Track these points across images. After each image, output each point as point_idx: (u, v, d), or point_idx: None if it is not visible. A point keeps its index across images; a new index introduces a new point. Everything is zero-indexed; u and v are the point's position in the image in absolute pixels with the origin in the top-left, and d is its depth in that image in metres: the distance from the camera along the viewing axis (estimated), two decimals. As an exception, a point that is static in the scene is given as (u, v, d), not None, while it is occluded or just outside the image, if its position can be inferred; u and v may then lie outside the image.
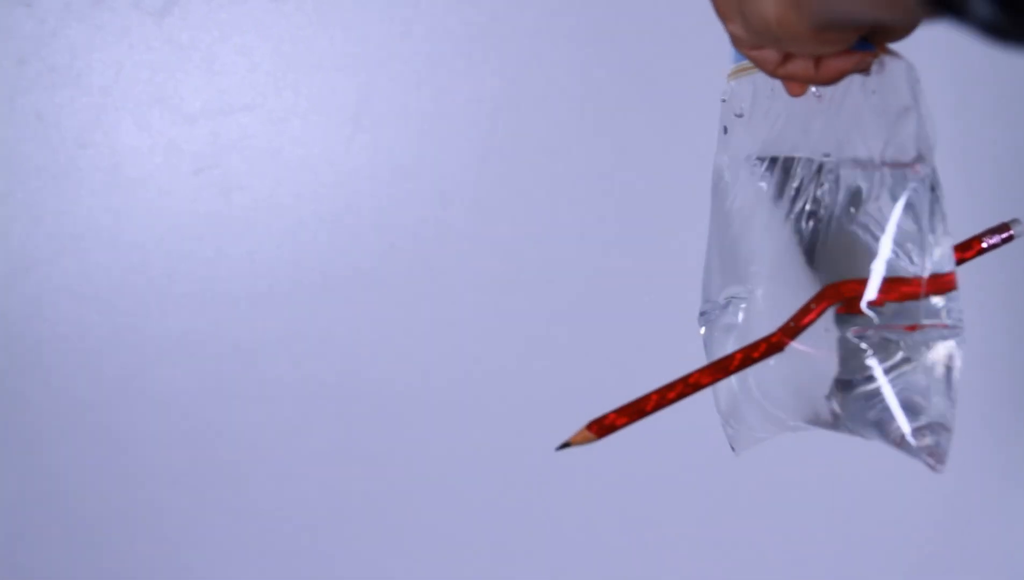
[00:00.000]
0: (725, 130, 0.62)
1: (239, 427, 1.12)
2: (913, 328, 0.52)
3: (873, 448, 0.56)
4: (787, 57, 0.52)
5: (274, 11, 1.09)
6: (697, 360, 1.13)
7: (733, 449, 0.62)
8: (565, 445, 0.54)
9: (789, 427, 0.60)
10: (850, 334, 0.53)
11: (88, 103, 1.08)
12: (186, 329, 1.10)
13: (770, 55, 0.52)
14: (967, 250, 0.57)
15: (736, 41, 0.53)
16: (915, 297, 0.52)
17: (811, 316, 0.54)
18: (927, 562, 1.18)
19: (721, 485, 1.16)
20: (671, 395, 0.54)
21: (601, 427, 0.54)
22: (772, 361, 0.56)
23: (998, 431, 1.17)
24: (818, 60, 0.52)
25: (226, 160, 1.10)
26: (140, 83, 1.09)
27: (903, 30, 0.51)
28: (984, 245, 0.57)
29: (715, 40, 1.11)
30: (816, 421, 0.58)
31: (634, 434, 1.17)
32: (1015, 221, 0.57)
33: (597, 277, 1.12)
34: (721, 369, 0.54)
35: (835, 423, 0.56)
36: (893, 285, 0.52)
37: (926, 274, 0.52)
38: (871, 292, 0.52)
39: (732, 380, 0.57)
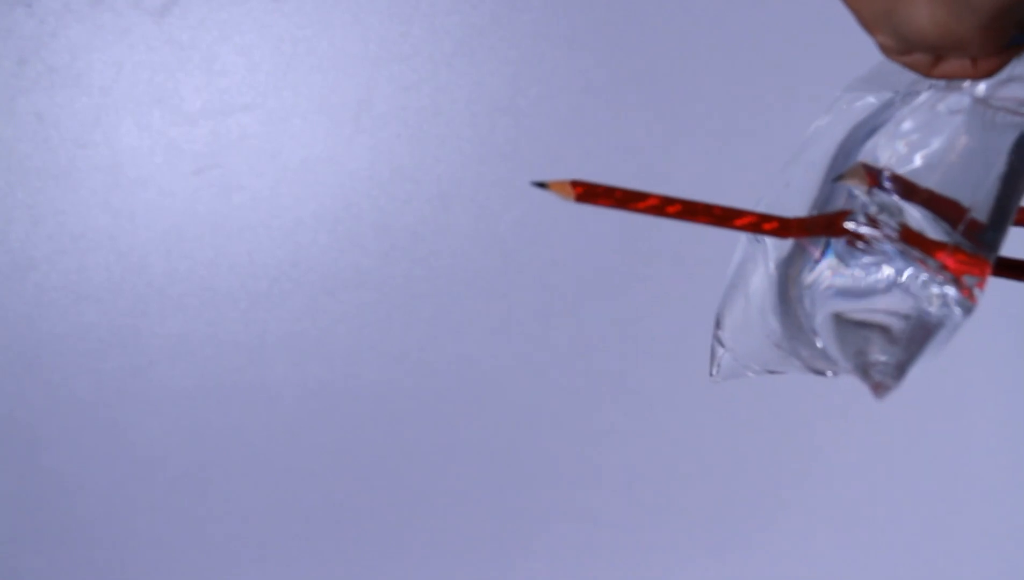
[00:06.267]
0: None
1: (239, 427, 1.12)
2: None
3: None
4: (940, 58, 0.51)
5: (274, 11, 1.09)
6: (693, 369, 1.13)
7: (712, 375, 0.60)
8: (541, 184, 0.49)
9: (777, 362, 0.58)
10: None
11: (88, 103, 1.08)
12: (186, 329, 1.10)
13: (922, 59, 0.51)
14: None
15: (885, 50, 0.52)
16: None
17: (823, 229, 0.52)
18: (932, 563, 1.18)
19: (721, 484, 1.16)
20: (670, 209, 0.50)
21: (586, 190, 0.49)
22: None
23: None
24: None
25: (226, 160, 1.10)
26: (140, 83, 1.09)
27: None
28: None
29: (717, 40, 1.11)
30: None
31: (634, 433, 1.17)
32: None
33: (597, 277, 1.12)
34: (727, 216, 0.51)
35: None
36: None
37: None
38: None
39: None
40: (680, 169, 1.12)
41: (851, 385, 1.13)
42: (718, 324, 0.59)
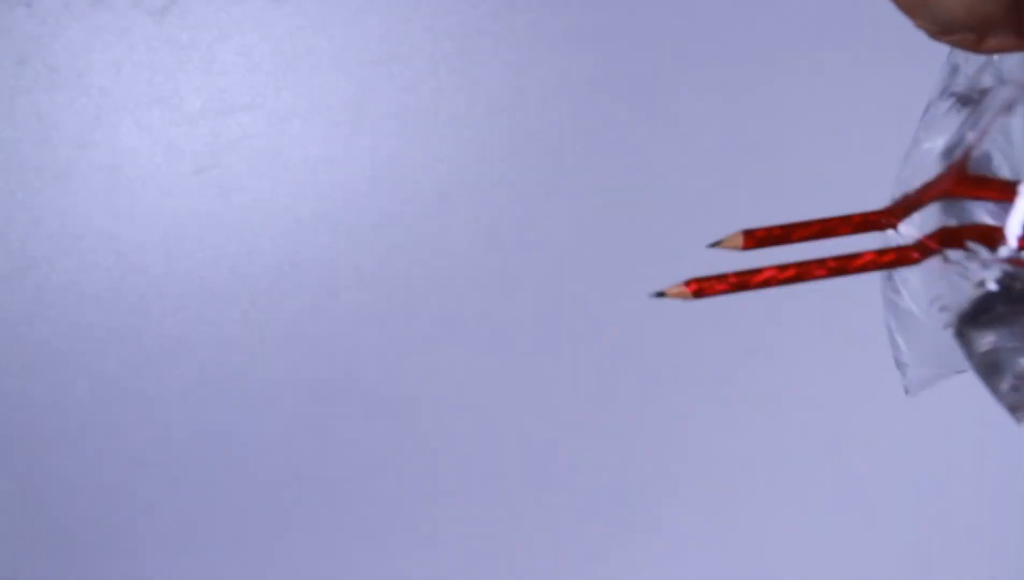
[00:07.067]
0: None
1: (239, 427, 1.12)
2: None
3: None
4: (984, 35, 0.53)
5: (274, 11, 1.09)
6: (694, 368, 1.13)
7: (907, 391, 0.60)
8: (660, 294, 0.51)
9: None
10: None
11: (88, 103, 1.08)
12: (186, 329, 1.10)
13: (967, 37, 0.53)
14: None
15: (927, 32, 0.53)
16: None
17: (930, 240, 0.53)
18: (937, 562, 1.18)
19: (723, 490, 1.16)
20: (785, 276, 0.50)
21: (700, 286, 0.50)
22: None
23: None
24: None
25: (226, 160, 1.10)
26: (140, 83, 1.09)
27: None
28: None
29: (717, 40, 1.11)
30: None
31: (635, 433, 1.17)
32: None
33: (598, 277, 1.12)
34: (843, 265, 0.52)
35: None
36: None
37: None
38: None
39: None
40: (681, 169, 1.12)
41: (851, 384, 1.13)
42: (895, 346, 0.59)
